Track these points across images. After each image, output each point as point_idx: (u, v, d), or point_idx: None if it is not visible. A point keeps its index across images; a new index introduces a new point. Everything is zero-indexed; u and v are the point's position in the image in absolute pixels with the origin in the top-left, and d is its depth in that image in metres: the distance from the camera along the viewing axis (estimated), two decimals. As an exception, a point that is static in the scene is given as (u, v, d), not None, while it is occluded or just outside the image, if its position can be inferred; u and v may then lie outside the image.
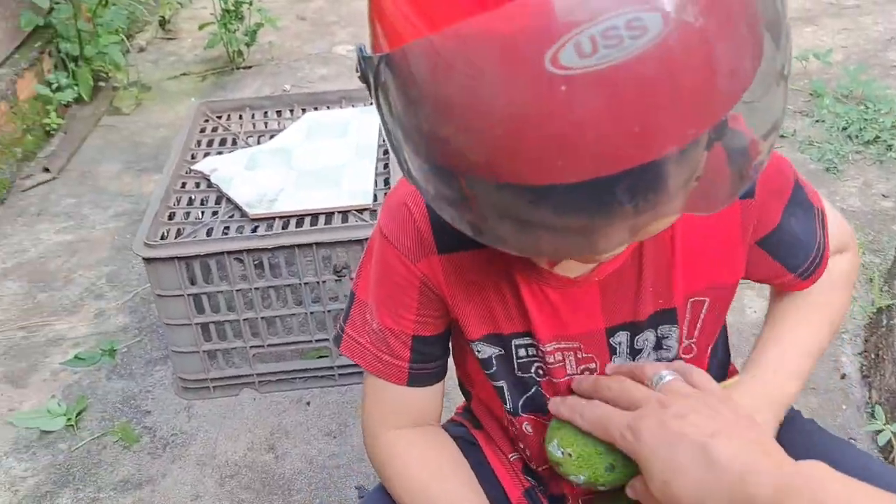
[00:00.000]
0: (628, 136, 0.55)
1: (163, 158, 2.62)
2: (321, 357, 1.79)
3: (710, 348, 1.00)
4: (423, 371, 0.95)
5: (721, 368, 1.06)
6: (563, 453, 0.86)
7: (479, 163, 0.58)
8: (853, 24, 3.29)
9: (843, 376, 1.69)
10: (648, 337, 0.92)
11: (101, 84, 3.05)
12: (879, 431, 1.50)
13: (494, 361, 0.94)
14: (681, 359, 0.96)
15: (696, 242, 0.88)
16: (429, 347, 0.94)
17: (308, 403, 1.76)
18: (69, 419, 1.74)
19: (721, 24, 0.55)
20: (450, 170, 0.62)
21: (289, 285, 1.69)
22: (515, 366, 0.94)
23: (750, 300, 1.90)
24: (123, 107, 2.98)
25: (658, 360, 0.94)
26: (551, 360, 0.92)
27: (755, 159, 0.66)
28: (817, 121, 2.61)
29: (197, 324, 1.70)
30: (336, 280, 1.68)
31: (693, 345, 0.96)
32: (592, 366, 0.93)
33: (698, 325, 0.94)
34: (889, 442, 1.49)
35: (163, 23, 3.58)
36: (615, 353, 0.93)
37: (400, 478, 0.95)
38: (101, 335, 1.97)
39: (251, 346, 1.75)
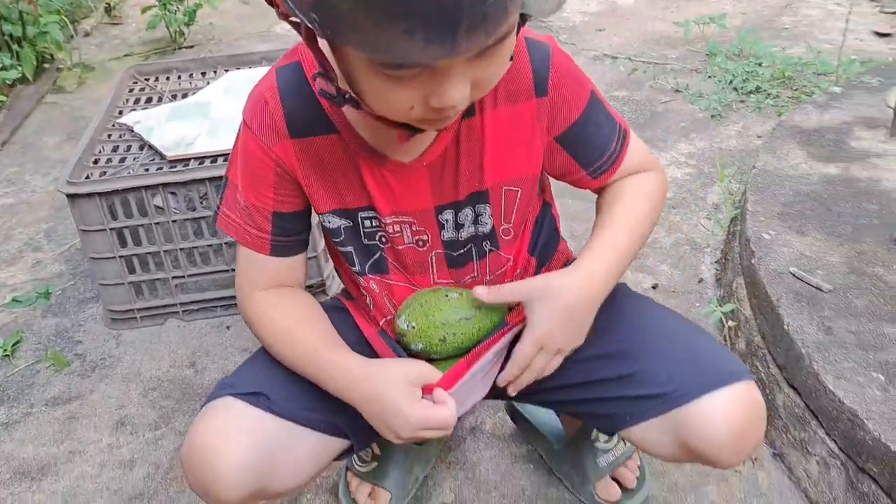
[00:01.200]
0: None
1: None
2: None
3: (529, 230, 1.20)
4: (283, 242, 1.13)
5: (545, 249, 1.25)
6: (407, 326, 1.09)
7: None
8: (754, -7, 3.53)
9: (700, 280, 1.91)
10: (468, 213, 1.12)
11: (46, 66, 3.21)
12: (712, 312, 1.71)
13: (343, 231, 1.13)
14: (501, 240, 1.16)
15: (502, 136, 1.08)
16: (287, 223, 1.13)
17: (228, 327, 1.95)
18: (4, 350, 1.91)
19: None
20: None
21: (204, 217, 1.87)
22: (362, 234, 1.13)
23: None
24: (67, 86, 3.15)
25: (476, 233, 1.14)
26: (391, 231, 1.12)
27: None
28: (709, 76, 2.83)
29: (121, 256, 1.88)
30: (245, 211, 1.87)
31: (511, 228, 1.16)
32: (425, 237, 1.13)
33: (514, 212, 1.14)
34: (720, 320, 1.71)
35: (108, 9, 3.75)
36: (443, 228, 1.13)
37: (267, 328, 1.14)
38: (38, 281, 2.15)
39: (173, 277, 1.93)
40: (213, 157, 1.87)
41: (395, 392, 1.02)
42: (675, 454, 1.10)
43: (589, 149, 1.11)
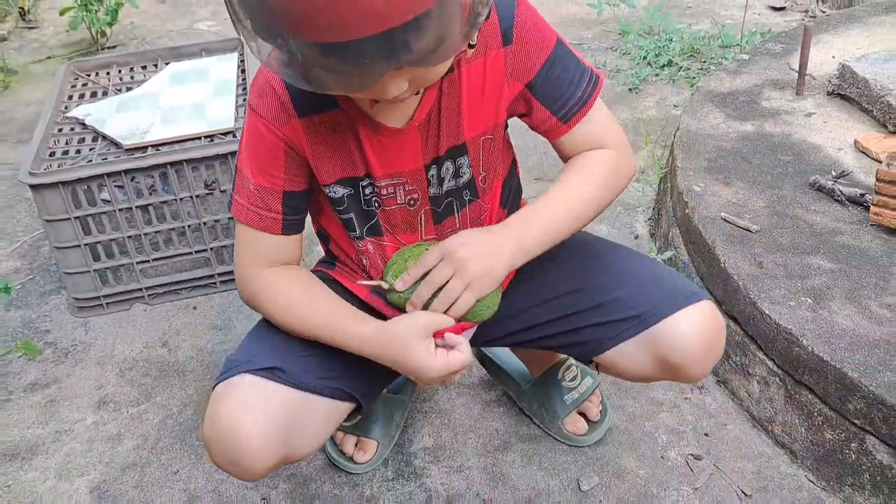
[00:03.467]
0: (369, 10, 0.83)
1: (36, 130, 2.80)
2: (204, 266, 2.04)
3: (501, 180, 1.32)
4: (292, 221, 1.23)
5: (513, 202, 1.39)
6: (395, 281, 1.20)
7: (287, 31, 0.87)
8: (658, -24, 3.74)
9: (636, 237, 2.08)
10: (449, 167, 1.24)
11: (-34, 73, 3.18)
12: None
13: (346, 199, 1.23)
14: (479, 189, 1.28)
15: (476, 87, 1.19)
16: (296, 201, 1.22)
17: (195, 308, 2.01)
18: (-27, 344, 1.94)
19: None
20: (276, 42, 0.90)
21: (164, 202, 1.93)
22: (362, 201, 1.24)
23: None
24: (-9, 90, 3.12)
25: (458, 185, 1.26)
26: (385, 193, 1.22)
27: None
28: (624, 53, 3.02)
29: (85, 244, 1.92)
30: (207, 193, 1.94)
31: (487, 177, 1.28)
32: (416, 196, 1.24)
33: (490, 159, 1.26)
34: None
35: (23, 13, 3.71)
36: (430, 185, 1.24)
37: (270, 300, 1.23)
38: (-5, 277, 2.17)
39: (137, 262, 1.98)
40: (170, 143, 1.93)
41: (413, 352, 1.13)
42: (650, 371, 1.24)
43: (557, 92, 1.20)
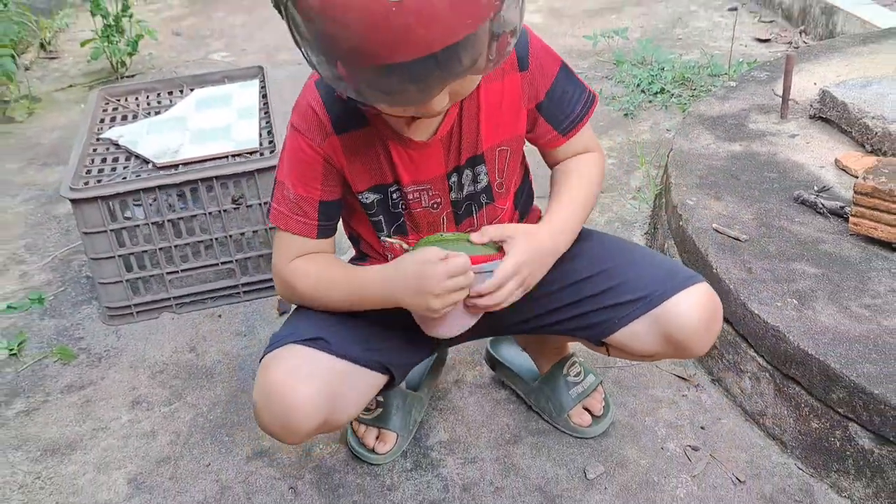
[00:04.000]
0: (426, 35, 0.97)
1: (63, 154, 2.95)
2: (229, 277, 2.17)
3: (515, 186, 1.48)
4: (326, 226, 1.39)
5: (525, 206, 1.55)
6: None
7: (348, 55, 1.00)
8: (648, 10, 3.94)
9: (634, 249, 2.22)
10: (468, 174, 1.39)
11: (-8, 99, 3.33)
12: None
13: (375, 204, 1.39)
14: (495, 193, 1.43)
15: (494, 105, 1.35)
16: (330, 210, 1.38)
17: (220, 316, 2.14)
18: (11, 349, 2.05)
19: None
20: (336, 61, 1.03)
21: (194, 216, 2.07)
22: (390, 204, 1.39)
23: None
24: (17, 116, 3.26)
25: (476, 190, 1.41)
26: (411, 198, 1.38)
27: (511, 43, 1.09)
28: (619, 82, 3.19)
29: (119, 255, 2.05)
30: (234, 208, 2.08)
31: (503, 182, 1.43)
32: (439, 200, 1.40)
33: (505, 168, 1.42)
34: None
35: (43, 45, 3.86)
36: (451, 190, 1.39)
37: (304, 281, 1.38)
38: (29, 289, 2.29)
39: (167, 273, 2.11)
40: (200, 161, 2.07)
41: (419, 261, 1.26)
42: (657, 348, 1.39)
43: (560, 110, 1.40)
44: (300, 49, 1.08)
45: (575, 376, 1.72)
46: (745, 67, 3.05)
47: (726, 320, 1.75)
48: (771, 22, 3.69)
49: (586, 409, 1.72)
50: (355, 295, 1.34)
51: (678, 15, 3.87)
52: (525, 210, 1.56)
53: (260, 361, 1.32)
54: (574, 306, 1.43)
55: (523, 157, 1.50)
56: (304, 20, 1.01)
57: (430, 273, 1.23)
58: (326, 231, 1.39)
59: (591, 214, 2.35)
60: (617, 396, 1.79)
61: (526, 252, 1.32)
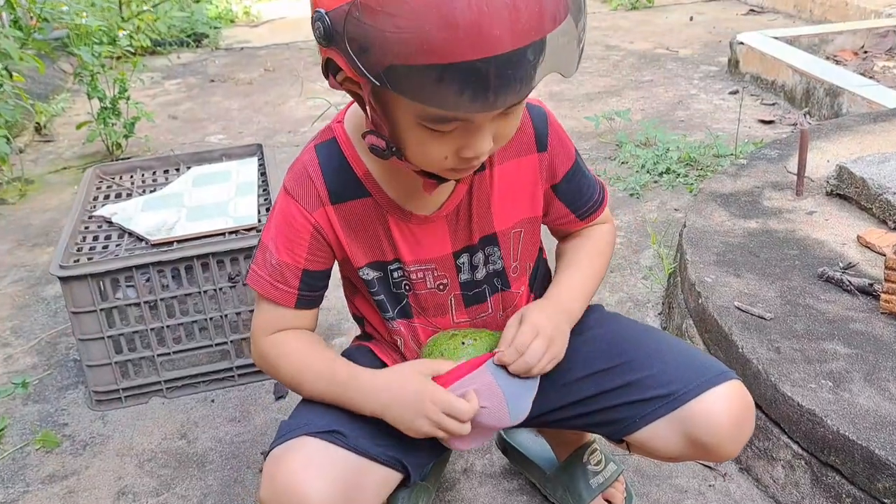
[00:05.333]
0: (519, 24, 0.89)
1: (54, 235, 2.87)
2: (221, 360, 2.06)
3: (530, 269, 1.39)
4: (307, 297, 1.28)
5: (542, 283, 1.45)
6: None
7: (416, 51, 0.89)
8: (648, 94, 3.94)
9: (649, 330, 2.12)
10: (480, 256, 1.30)
11: (-16, 181, 3.26)
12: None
13: (376, 282, 1.29)
14: (510, 278, 1.34)
15: (508, 185, 1.28)
16: (314, 280, 1.28)
17: (212, 401, 2.02)
18: (-9, 437, 1.93)
19: None
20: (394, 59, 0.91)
21: (189, 294, 1.97)
22: (391, 284, 1.30)
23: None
24: (9, 198, 3.20)
25: (488, 272, 1.32)
26: (415, 278, 1.28)
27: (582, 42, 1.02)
28: (622, 162, 3.14)
29: (109, 336, 1.94)
30: (231, 287, 1.99)
31: (518, 266, 1.34)
32: (445, 281, 1.30)
33: (519, 249, 1.33)
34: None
35: (38, 128, 3.83)
36: (460, 271, 1.30)
37: (282, 362, 1.27)
38: (12, 373, 2.17)
39: (158, 355, 2.00)
40: (197, 238, 1.99)
41: (415, 383, 1.17)
42: (681, 450, 1.25)
43: (578, 195, 1.35)
44: (345, 55, 0.97)
45: (595, 465, 1.60)
46: (751, 147, 3.02)
47: (755, 404, 1.64)
48: (773, 104, 3.69)
49: (607, 501, 1.60)
50: (336, 395, 1.23)
51: (678, 98, 3.87)
52: (541, 292, 1.43)
53: (266, 456, 1.20)
54: (592, 401, 1.31)
55: (538, 236, 1.42)
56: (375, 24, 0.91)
57: (426, 405, 1.16)
58: (307, 302, 1.28)
59: (601, 294, 2.29)
60: (639, 486, 1.67)
61: (543, 313, 1.23)
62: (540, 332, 1.20)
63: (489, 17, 0.88)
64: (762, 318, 1.75)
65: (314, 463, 1.15)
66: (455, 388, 1.18)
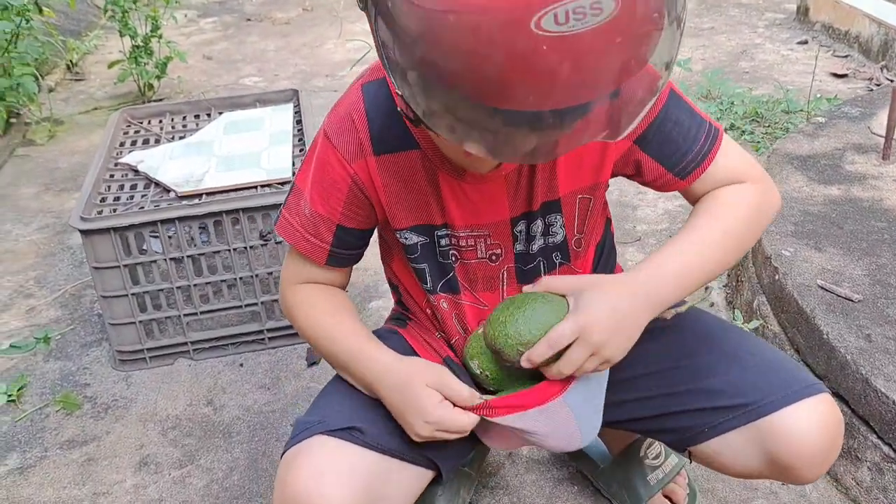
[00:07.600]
0: (581, 81, 0.73)
1: (81, 179, 2.73)
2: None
3: (595, 246, 1.21)
4: (339, 254, 1.13)
5: (605, 265, 1.26)
6: (480, 372, 1.10)
7: (474, 92, 0.74)
8: (709, 42, 3.69)
9: (711, 304, 1.94)
10: (539, 224, 1.12)
11: (13, 121, 3.13)
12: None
13: (419, 248, 1.13)
14: (572, 251, 1.16)
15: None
16: (349, 237, 1.12)
17: (241, 365, 1.89)
18: (10, 396, 1.82)
19: (648, 12, 0.74)
20: (448, 95, 0.76)
21: (217, 252, 1.83)
22: (437, 252, 1.13)
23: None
24: (37, 139, 3.08)
25: (546, 244, 1.14)
26: (464, 245, 1.12)
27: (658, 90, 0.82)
28: (684, 117, 2.93)
29: (133, 294, 1.82)
30: (262, 244, 1.84)
31: (582, 239, 1.16)
32: (499, 251, 1.13)
33: (586, 221, 1.15)
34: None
35: (70, 66, 3.69)
36: (517, 241, 1.13)
37: (302, 312, 1.15)
38: (34, 327, 2.06)
39: (185, 315, 1.87)
40: (226, 191, 1.84)
41: (420, 389, 1.03)
42: (755, 468, 1.09)
43: (671, 148, 1.08)
44: (387, 61, 0.81)
45: (654, 458, 1.44)
46: (824, 104, 2.79)
47: (839, 397, 1.47)
48: (846, 56, 3.42)
49: (667, 497, 1.45)
50: (345, 364, 1.11)
51: (742, 48, 3.61)
52: (605, 270, 1.26)
53: (282, 456, 1.05)
54: (656, 402, 1.14)
55: (605, 204, 1.23)
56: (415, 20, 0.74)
57: (419, 420, 1.04)
58: (339, 260, 1.14)
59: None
60: (703, 482, 1.52)
61: (596, 310, 0.99)
62: (582, 334, 0.98)
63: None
64: (850, 299, 1.56)
65: (332, 467, 1.00)
66: (514, 419, 1.05)
